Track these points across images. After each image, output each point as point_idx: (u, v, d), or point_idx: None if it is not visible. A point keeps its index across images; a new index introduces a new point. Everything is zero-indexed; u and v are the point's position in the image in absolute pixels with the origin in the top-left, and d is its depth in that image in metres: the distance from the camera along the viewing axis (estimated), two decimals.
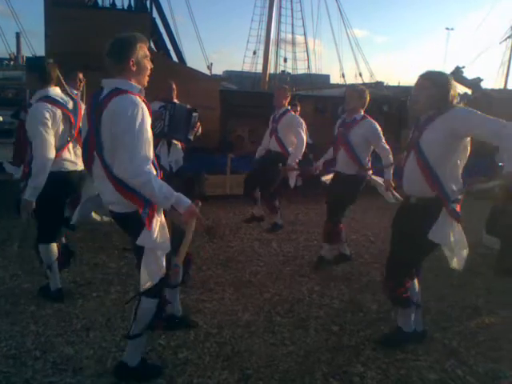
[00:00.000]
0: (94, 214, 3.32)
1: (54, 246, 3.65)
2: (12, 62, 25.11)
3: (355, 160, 4.38)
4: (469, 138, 2.85)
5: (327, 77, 27.88)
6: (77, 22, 6.77)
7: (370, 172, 4.54)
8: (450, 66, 31.89)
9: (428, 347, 3.21)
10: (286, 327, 3.44)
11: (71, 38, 6.71)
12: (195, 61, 16.59)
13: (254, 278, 4.38)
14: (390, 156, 4.41)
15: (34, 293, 3.80)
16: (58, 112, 3.34)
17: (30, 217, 3.42)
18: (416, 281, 3.20)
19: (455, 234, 2.90)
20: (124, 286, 4.01)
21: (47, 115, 3.26)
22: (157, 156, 6.37)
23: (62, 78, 3.58)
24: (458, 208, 2.91)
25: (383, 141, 4.43)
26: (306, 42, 23.34)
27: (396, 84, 20.54)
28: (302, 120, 5.65)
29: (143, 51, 2.47)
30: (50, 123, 3.28)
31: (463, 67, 11.24)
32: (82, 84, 5.30)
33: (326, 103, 9.48)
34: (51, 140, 3.30)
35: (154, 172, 2.38)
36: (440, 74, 2.96)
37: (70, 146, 3.53)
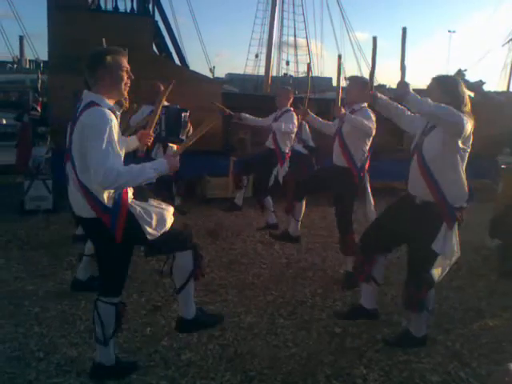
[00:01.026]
0: None
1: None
2: (15, 66, 25.19)
3: (346, 153, 4.18)
4: (465, 140, 2.89)
5: (329, 79, 27.86)
6: (80, 25, 6.81)
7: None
8: (453, 69, 31.92)
9: (431, 349, 3.21)
10: (289, 329, 3.44)
11: (74, 41, 6.74)
12: (197, 63, 16.69)
13: (257, 280, 4.38)
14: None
15: (38, 295, 3.82)
16: None
17: None
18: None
19: (453, 244, 2.95)
20: (126, 289, 4.00)
21: None
22: (152, 160, 6.41)
23: None
24: (459, 215, 2.94)
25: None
26: (308, 45, 23.40)
27: None
28: (295, 119, 5.61)
29: (117, 62, 2.49)
30: None
31: (465, 70, 11.25)
32: None
33: (327, 106, 9.49)
34: None
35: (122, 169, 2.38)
36: (449, 79, 3.05)
37: None
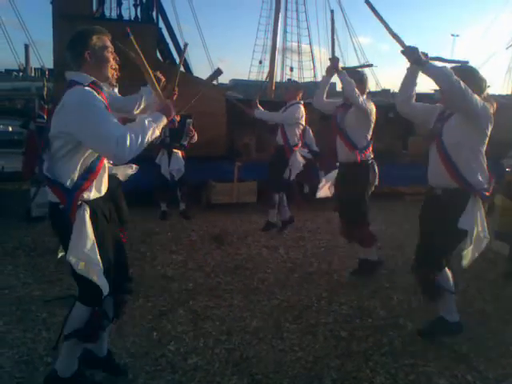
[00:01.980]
0: None
1: None
2: (21, 73, 25.39)
3: (349, 145, 4.34)
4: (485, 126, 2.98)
5: (333, 85, 27.92)
6: None
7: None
8: None
9: (437, 353, 3.21)
10: (295, 333, 3.45)
11: None
12: (201, 70, 16.75)
13: (262, 284, 4.39)
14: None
15: (45, 300, 3.84)
16: None
17: None
18: (448, 270, 3.22)
19: (480, 223, 3.00)
20: (133, 294, 4.03)
21: None
22: (157, 165, 6.46)
23: None
24: (487, 193, 3.03)
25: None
26: (311, 51, 23.46)
27: None
28: (302, 111, 5.78)
29: (101, 42, 2.42)
30: None
31: None
32: None
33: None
34: None
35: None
36: (467, 68, 3.08)
37: None
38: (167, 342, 3.24)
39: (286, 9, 22.61)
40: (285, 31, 23.29)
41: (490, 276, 4.68)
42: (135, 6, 7.92)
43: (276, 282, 4.44)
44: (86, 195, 2.40)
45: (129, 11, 8.28)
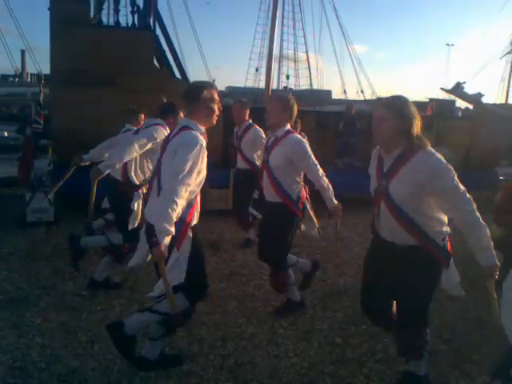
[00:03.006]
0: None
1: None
2: (17, 79, 25.41)
3: (277, 189, 3.65)
4: None
5: (329, 92, 28.05)
6: (82, 39, 6.90)
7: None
8: (452, 82, 32.12)
9: (431, 359, 3.21)
10: (290, 340, 3.46)
11: (76, 55, 6.84)
12: (198, 77, 16.84)
13: (258, 291, 4.40)
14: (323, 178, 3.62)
15: (40, 306, 3.84)
16: None
17: None
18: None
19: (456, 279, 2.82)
20: (127, 300, 4.04)
21: None
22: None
23: None
24: (449, 246, 2.65)
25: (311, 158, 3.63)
26: (307, 59, 23.64)
27: None
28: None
29: (211, 95, 2.84)
30: None
31: (464, 83, 11.37)
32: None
33: (327, 119, 9.57)
34: None
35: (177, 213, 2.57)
36: (398, 99, 2.57)
37: None
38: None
39: (282, 16, 22.82)
40: (281, 39, 23.47)
41: (484, 283, 4.68)
42: (132, 12, 7.96)
43: (271, 289, 4.43)
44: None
45: (126, 18, 8.34)
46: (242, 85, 26.50)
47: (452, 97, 13.68)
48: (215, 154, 7.63)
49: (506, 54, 30.35)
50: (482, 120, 9.60)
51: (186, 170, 2.58)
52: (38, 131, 7.71)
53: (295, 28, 24.50)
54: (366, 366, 3.12)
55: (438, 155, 2.49)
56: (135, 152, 3.89)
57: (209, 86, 2.89)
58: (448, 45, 43.41)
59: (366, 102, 17.79)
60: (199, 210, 2.91)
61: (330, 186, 3.64)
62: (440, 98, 16.55)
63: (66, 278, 4.46)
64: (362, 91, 20.01)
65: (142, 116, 4.60)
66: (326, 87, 28.60)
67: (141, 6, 7.99)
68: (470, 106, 11.73)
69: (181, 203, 2.58)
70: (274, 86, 20.29)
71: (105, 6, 8.96)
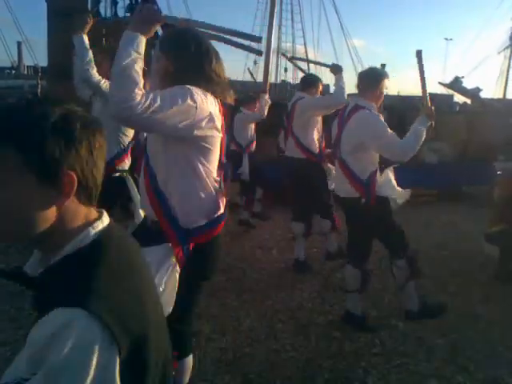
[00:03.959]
0: None
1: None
2: (13, 71, 25.26)
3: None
4: None
5: (327, 86, 28.02)
6: None
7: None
8: (450, 76, 32.09)
9: (428, 353, 3.24)
10: (288, 333, 3.47)
11: (73, 47, 6.78)
12: None
13: (256, 285, 4.41)
14: None
15: None
16: None
17: None
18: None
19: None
20: None
21: None
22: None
23: None
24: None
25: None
26: (306, 52, 23.59)
27: (395, 93, 20.70)
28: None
29: (385, 83, 3.48)
30: None
31: (462, 77, 11.37)
32: None
33: None
34: None
35: None
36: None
37: None
38: None
39: (281, 10, 22.77)
40: (280, 32, 23.41)
41: (481, 278, 4.72)
42: (130, 5, 7.93)
43: (269, 283, 4.47)
44: None
45: (124, 10, 8.31)
46: (240, 78, 26.42)
47: (450, 91, 13.68)
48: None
49: (504, 49, 30.37)
50: (480, 114, 9.61)
51: None
52: None
53: (293, 21, 24.44)
54: (364, 360, 3.14)
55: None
56: None
57: (386, 74, 3.53)
58: (446, 39, 43.48)
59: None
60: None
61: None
62: (438, 92, 16.55)
63: None
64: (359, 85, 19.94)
65: None
66: (324, 81, 28.55)
67: None
68: (468, 101, 11.73)
69: None
70: (272, 79, 20.26)
71: None
